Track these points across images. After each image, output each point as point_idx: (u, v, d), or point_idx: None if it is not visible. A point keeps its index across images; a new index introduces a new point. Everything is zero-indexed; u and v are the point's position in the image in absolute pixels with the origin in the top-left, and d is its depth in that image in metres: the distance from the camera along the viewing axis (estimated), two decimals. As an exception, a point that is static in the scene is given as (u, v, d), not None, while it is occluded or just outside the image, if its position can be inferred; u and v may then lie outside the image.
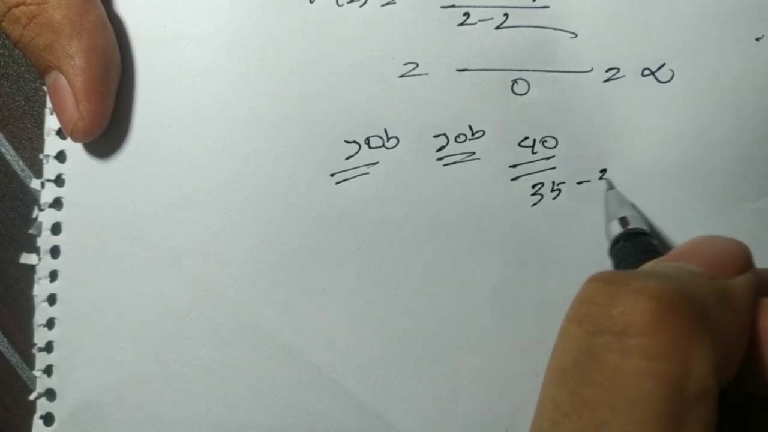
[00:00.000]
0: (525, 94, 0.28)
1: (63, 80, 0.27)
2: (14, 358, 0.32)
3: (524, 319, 0.28)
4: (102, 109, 0.28)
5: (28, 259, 0.30)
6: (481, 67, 0.28)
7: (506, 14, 0.28)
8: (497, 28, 0.28)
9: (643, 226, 0.26)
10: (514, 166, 0.28)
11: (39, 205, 0.30)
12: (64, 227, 0.30)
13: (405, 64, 0.28)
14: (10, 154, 0.31)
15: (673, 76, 0.28)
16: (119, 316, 0.29)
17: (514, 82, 0.28)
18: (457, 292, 0.28)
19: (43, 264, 0.30)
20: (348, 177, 0.29)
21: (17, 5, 0.26)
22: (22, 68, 0.31)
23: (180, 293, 0.29)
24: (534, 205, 0.28)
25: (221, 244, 0.29)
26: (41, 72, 0.28)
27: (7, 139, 0.31)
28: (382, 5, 0.28)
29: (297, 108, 0.29)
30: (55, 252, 0.30)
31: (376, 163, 0.29)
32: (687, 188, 0.28)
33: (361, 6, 0.28)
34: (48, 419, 0.30)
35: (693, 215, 0.28)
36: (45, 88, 0.28)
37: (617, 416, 0.16)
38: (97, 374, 0.30)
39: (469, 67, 0.28)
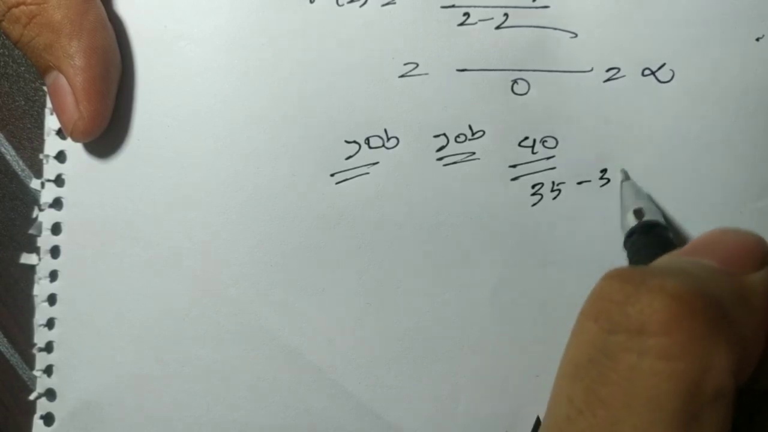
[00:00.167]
0: (525, 94, 0.28)
1: (63, 80, 0.27)
2: (14, 358, 0.32)
3: (524, 319, 0.28)
4: (102, 108, 0.28)
5: (28, 259, 0.30)
6: (481, 67, 0.28)
7: (506, 14, 0.28)
8: (497, 28, 0.28)
9: (659, 218, 0.26)
10: (514, 166, 0.28)
11: (39, 205, 0.30)
12: (64, 227, 0.30)
13: (405, 64, 0.28)
14: (10, 154, 0.31)
15: (673, 76, 0.28)
16: (119, 316, 0.29)
17: (514, 82, 0.28)
18: (457, 292, 0.28)
19: (43, 264, 0.30)
20: (348, 177, 0.29)
21: (17, 5, 0.26)
22: (22, 68, 0.31)
23: (180, 293, 0.29)
24: (534, 205, 0.28)
25: (221, 244, 0.29)
26: (41, 72, 0.28)
27: (7, 139, 0.31)
28: (382, 5, 0.28)
29: (297, 108, 0.29)
30: (55, 252, 0.30)
31: (376, 163, 0.29)
32: (687, 188, 0.28)
33: (361, 6, 0.28)
34: (48, 419, 0.30)
35: (693, 215, 0.28)
36: (45, 88, 0.28)
37: (632, 415, 0.16)
38: (97, 374, 0.30)
39: (469, 67, 0.28)
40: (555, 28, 0.28)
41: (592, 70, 0.28)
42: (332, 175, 0.29)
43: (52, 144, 0.30)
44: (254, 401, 0.29)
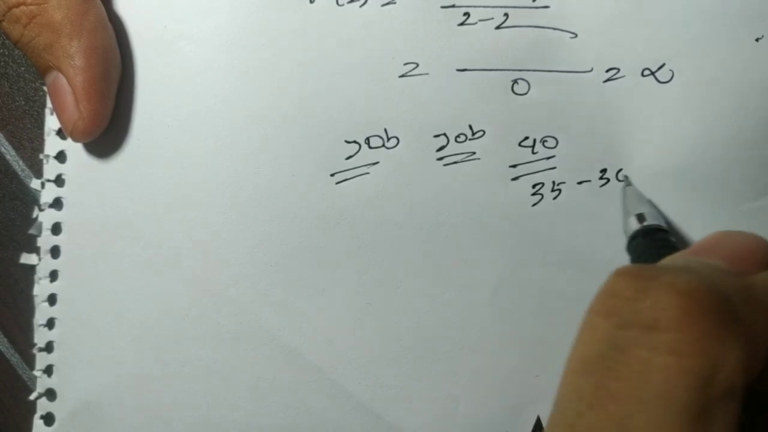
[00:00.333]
0: (525, 94, 0.28)
1: (63, 80, 0.27)
2: (14, 358, 0.31)
3: (524, 319, 0.28)
4: (102, 108, 0.28)
5: (28, 259, 0.30)
6: (481, 67, 0.28)
7: (506, 14, 0.28)
8: (497, 28, 0.28)
9: (661, 223, 0.26)
10: (514, 166, 0.28)
11: (39, 205, 0.30)
12: (64, 227, 0.30)
13: (405, 64, 0.28)
14: (10, 154, 0.31)
15: (673, 76, 0.28)
16: (119, 316, 0.29)
17: (514, 82, 0.28)
18: (457, 292, 0.28)
19: (43, 264, 0.30)
20: (348, 177, 0.29)
21: (17, 5, 0.26)
22: (22, 68, 0.31)
23: (180, 293, 0.29)
24: (534, 205, 0.28)
25: (221, 244, 0.29)
26: (41, 72, 0.28)
27: (7, 139, 0.31)
28: (382, 5, 0.28)
29: (297, 108, 0.29)
30: (55, 252, 0.30)
31: (376, 163, 0.29)
32: (687, 188, 0.28)
33: (361, 6, 0.28)
34: (48, 419, 0.30)
35: (693, 215, 0.28)
36: (45, 88, 0.28)
37: (643, 410, 0.16)
38: (97, 374, 0.30)
39: (469, 67, 0.28)
40: (555, 28, 0.28)
41: (592, 70, 0.28)
42: (332, 175, 0.29)
43: (52, 144, 0.30)
44: (254, 401, 0.29)
